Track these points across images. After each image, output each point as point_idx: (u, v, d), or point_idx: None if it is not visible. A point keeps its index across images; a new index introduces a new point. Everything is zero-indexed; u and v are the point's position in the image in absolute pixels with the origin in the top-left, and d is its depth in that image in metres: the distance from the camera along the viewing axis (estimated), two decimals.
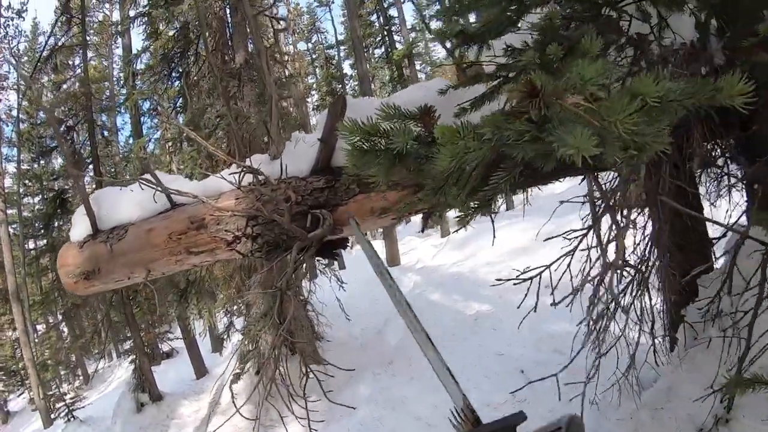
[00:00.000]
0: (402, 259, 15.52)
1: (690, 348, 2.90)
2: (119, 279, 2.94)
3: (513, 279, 2.77)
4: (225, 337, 10.35)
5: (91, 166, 9.79)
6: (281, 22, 9.11)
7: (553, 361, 6.16)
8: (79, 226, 3.13)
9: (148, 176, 2.68)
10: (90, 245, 2.97)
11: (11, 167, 17.81)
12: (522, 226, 9.66)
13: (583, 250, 3.44)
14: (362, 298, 11.26)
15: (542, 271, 2.80)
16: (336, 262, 12.46)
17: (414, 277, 12.35)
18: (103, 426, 9.59)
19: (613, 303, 3.40)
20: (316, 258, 2.18)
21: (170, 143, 9.36)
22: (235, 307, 9.63)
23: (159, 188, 2.26)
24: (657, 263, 3.26)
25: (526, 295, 2.88)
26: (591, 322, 3.34)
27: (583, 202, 3.57)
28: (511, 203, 15.86)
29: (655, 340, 3.38)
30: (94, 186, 8.74)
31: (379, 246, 17.27)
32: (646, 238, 3.35)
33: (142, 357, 8.98)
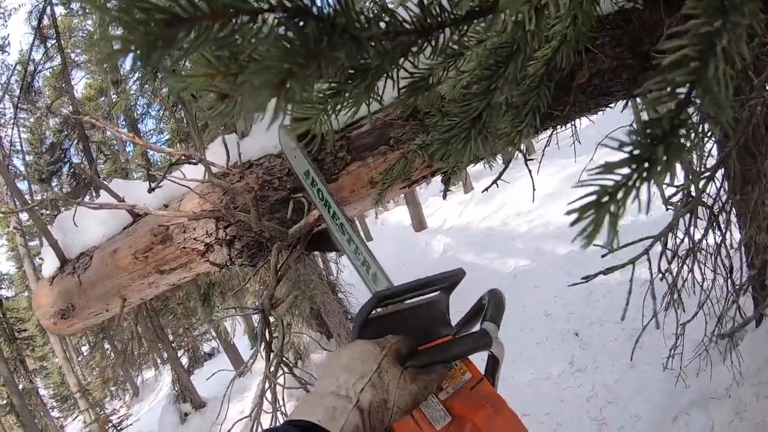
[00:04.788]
0: (428, 222, 14.98)
1: None
2: (98, 312, 2.49)
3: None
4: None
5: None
6: None
7: (609, 318, 5.56)
8: (48, 260, 2.69)
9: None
10: (59, 280, 2.52)
11: (27, 199, 17.63)
12: (547, 170, 8.99)
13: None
14: (392, 270, 10.80)
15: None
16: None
17: (444, 239, 11.82)
18: None
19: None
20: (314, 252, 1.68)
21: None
22: (261, 300, 9.29)
23: (92, 206, 1.75)
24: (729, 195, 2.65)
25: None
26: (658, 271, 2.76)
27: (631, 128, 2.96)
28: (531, 147, 15.12)
29: (738, 291, 2.79)
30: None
31: (403, 212, 16.77)
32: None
33: (179, 368, 8.76)
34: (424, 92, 0.51)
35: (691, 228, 2.67)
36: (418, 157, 1.47)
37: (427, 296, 0.93)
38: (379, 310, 0.88)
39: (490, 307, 0.96)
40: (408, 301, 0.92)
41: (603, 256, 1.87)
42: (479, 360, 0.91)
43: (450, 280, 0.91)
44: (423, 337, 0.89)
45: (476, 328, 0.97)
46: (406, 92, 0.51)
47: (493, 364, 0.92)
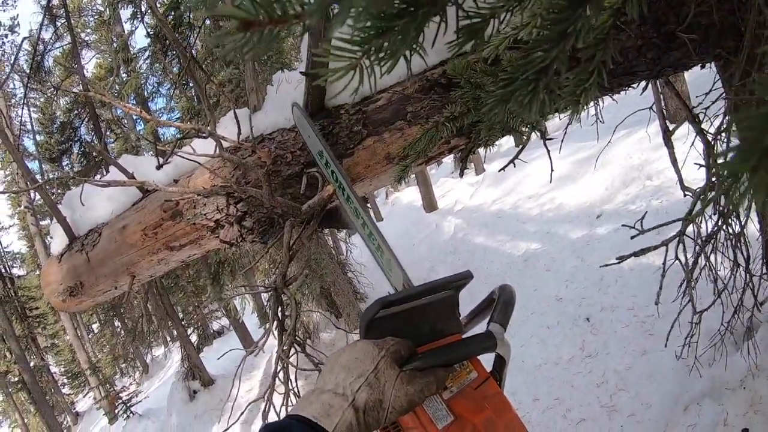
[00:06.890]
0: (439, 203, 14.95)
1: None
2: (106, 290, 2.46)
3: None
4: (268, 310, 10.15)
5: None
6: None
7: (622, 305, 5.50)
8: (57, 237, 2.66)
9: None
10: (68, 257, 2.50)
11: (38, 179, 17.68)
12: (559, 153, 8.86)
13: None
14: (403, 250, 10.82)
15: None
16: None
17: (455, 221, 11.77)
18: (163, 417, 9.61)
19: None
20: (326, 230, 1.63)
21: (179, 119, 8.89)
22: (273, 278, 9.32)
23: (99, 183, 1.71)
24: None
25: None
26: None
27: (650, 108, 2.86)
28: (545, 130, 14.94)
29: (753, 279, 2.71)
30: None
31: (414, 193, 16.74)
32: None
33: (188, 345, 8.85)
34: (483, 37, 0.45)
35: (714, 216, 2.60)
36: (446, 130, 1.40)
37: (436, 294, 0.93)
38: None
39: (499, 305, 0.97)
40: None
41: (633, 237, 1.81)
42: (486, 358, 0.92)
43: (457, 283, 0.92)
44: (431, 334, 0.91)
45: (485, 322, 1.00)
46: (464, 34, 0.45)
47: (500, 363, 0.93)
